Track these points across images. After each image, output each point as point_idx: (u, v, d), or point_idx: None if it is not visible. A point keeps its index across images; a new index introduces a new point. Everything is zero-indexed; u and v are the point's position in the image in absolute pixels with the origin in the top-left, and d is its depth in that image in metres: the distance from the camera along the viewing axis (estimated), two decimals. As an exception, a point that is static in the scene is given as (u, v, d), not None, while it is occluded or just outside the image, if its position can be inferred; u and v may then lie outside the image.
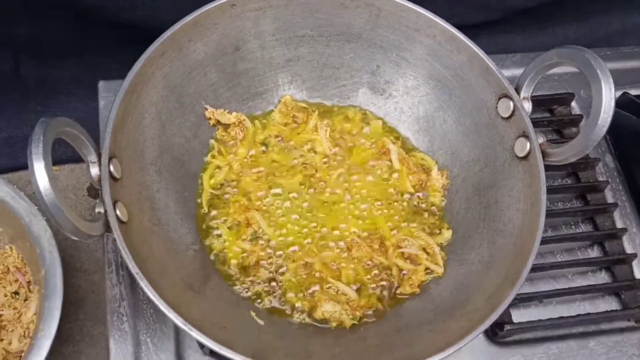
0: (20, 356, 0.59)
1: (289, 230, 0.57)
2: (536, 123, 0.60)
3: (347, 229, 0.58)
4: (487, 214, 0.57)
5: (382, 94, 0.64)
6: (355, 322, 0.54)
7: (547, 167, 0.53)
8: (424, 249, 0.57)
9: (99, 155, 0.47)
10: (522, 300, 0.59)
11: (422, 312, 0.54)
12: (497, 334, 0.57)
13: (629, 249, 0.64)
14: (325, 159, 0.61)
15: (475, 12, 0.76)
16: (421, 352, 0.46)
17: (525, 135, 0.54)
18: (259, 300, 0.54)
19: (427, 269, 0.57)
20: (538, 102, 0.67)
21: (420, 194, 0.61)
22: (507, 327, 0.57)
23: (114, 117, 0.49)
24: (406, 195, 0.60)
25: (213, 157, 0.60)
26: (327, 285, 0.55)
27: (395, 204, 0.60)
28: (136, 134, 0.52)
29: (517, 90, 0.56)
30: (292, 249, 0.57)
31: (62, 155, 0.69)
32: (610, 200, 0.66)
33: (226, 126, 0.61)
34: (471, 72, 0.58)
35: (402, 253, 0.57)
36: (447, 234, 0.59)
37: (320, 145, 0.61)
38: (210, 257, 0.55)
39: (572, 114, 0.70)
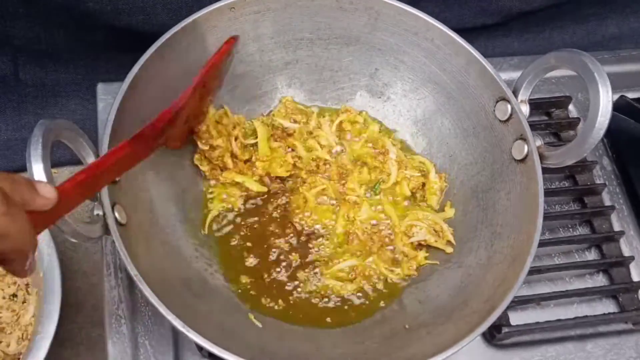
0: (19, 358, 0.59)
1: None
2: (534, 126, 0.61)
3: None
4: (485, 217, 0.57)
5: (380, 97, 0.64)
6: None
7: (545, 170, 0.53)
8: (433, 230, 0.58)
9: (98, 157, 0.47)
10: (520, 302, 0.59)
11: (420, 315, 0.54)
12: (495, 336, 0.57)
13: (626, 252, 0.64)
14: (329, 155, 0.61)
15: (473, 16, 0.76)
16: (419, 355, 0.46)
17: (523, 138, 0.54)
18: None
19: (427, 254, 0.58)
20: (536, 105, 0.68)
21: (418, 195, 0.61)
22: (505, 329, 0.57)
23: (112, 119, 0.49)
24: (406, 202, 0.61)
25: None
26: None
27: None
28: (135, 136, 0.52)
29: (515, 93, 0.56)
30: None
31: (61, 157, 0.69)
32: (607, 203, 0.67)
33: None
34: (469, 75, 0.58)
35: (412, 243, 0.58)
36: (450, 212, 0.59)
37: (325, 139, 0.62)
38: (209, 259, 0.55)
39: (570, 117, 0.70)
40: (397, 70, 0.62)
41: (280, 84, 0.63)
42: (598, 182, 0.67)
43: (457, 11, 0.74)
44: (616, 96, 0.72)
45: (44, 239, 0.60)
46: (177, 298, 0.47)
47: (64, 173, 0.74)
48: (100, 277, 0.57)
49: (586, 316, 0.60)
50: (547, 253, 0.63)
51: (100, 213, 0.46)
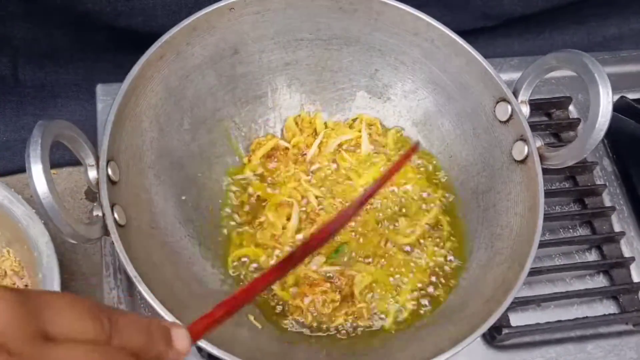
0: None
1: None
2: (534, 127, 0.61)
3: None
4: (485, 218, 0.57)
5: (380, 98, 0.64)
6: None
7: (545, 171, 0.53)
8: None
9: (97, 159, 0.47)
10: (520, 303, 0.59)
11: (420, 315, 0.54)
12: (495, 337, 0.57)
13: (626, 253, 0.64)
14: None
15: (474, 20, 0.76)
16: (420, 356, 0.46)
17: (523, 139, 0.54)
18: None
19: None
20: (536, 106, 0.68)
21: None
22: (505, 330, 0.56)
23: (112, 120, 0.49)
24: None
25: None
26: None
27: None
28: (134, 137, 0.52)
29: (515, 94, 0.56)
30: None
31: (60, 158, 0.69)
32: (607, 203, 0.67)
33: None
34: (469, 76, 0.58)
35: None
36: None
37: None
38: (209, 259, 0.55)
39: (570, 118, 0.70)
40: (397, 71, 0.62)
41: (280, 85, 0.63)
42: (598, 182, 0.67)
43: (458, 15, 0.74)
44: (616, 97, 0.72)
45: (44, 240, 0.60)
46: (177, 299, 0.47)
47: (63, 174, 0.74)
48: (99, 278, 0.57)
49: (586, 317, 0.59)
50: (547, 254, 0.63)
51: (100, 214, 0.45)
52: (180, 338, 0.30)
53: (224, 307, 0.34)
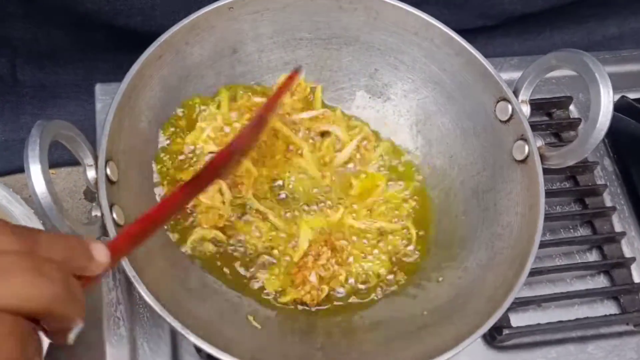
0: (16, 360, 0.59)
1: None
2: (534, 126, 0.61)
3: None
4: (485, 218, 0.57)
5: (380, 97, 0.64)
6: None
7: (546, 171, 0.53)
8: None
9: (96, 158, 0.47)
10: (521, 304, 0.59)
11: (420, 316, 0.53)
12: (495, 338, 0.57)
13: (627, 253, 0.64)
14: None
15: (473, 19, 0.76)
16: (420, 356, 0.46)
17: (524, 139, 0.54)
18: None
19: None
20: (536, 106, 0.68)
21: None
22: (506, 331, 0.56)
23: (110, 120, 0.48)
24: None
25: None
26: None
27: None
28: (133, 136, 0.52)
29: (516, 93, 0.56)
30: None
31: (59, 158, 0.69)
32: (608, 203, 0.66)
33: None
34: (469, 75, 0.58)
35: None
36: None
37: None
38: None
39: (571, 118, 0.70)
40: (397, 70, 0.62)
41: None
42: (599, 182, 0.67)
43: (457, 14, 0.74)
44: (617, 96, 0.71)
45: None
46: (176, 299, 0.47)
47: (62, 174, 0.73)
48: (98, 279, 0.57)
49: (587, 318, 0.59)
50: (548, 254, 0.63)
51: (99, 214, 0.45)
52: (99, 251, 0.33)
53: (138, 224, 0.37)
